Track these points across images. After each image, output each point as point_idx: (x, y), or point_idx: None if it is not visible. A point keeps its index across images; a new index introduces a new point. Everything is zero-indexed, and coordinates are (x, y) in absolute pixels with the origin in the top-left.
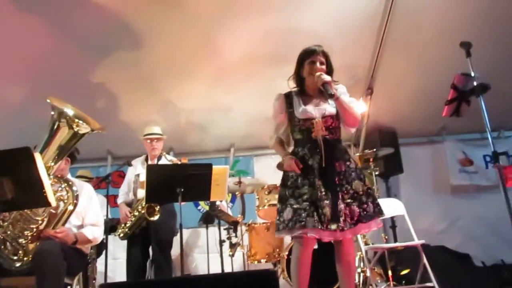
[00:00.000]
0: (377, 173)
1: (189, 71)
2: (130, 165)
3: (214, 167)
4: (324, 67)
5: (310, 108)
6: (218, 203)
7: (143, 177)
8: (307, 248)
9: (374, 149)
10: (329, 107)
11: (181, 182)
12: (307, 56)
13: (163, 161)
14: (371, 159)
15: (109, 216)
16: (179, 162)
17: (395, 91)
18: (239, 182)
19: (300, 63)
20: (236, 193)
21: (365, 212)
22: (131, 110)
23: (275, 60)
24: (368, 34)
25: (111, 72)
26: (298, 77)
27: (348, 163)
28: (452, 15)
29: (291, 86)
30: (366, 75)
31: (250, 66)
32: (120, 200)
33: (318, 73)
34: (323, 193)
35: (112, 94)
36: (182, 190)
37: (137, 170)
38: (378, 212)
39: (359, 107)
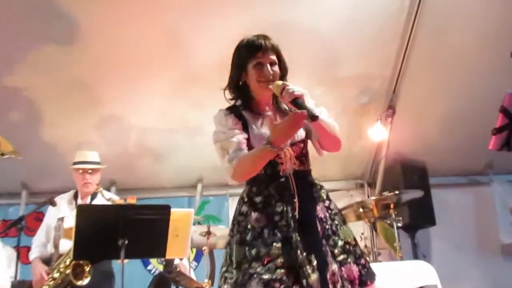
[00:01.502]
0: (399, 224)
1: (143, 77)
2: (53, 204)
3: (173, 210)
4: (276, 69)
5: None
6: (177, 261)
7: (69, 223)
8: None
9: (396, 192)
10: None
11: (125, 230)
12: (251, 55)
13: (99, 200)
14: (391, 205)
15: (19, 278)
16: (123, 202)
17: (425, 112)
18: (208, 233)
19: (240, 65)
20: (203, 248)
21: (365, 269)
22: (57, 126)
23: None
24: (389, 36)
25: (32, 74)
26: (238, 85)
27: (328, 203)
28: (501, 16)
29: (227, 97)
30: (386, 89)
31: (227, 74)
32: (34, 255)
33: (279, 82)
34: (305, 253)
35: (32, 103)
36: (126, 242)
37: (61, 212)
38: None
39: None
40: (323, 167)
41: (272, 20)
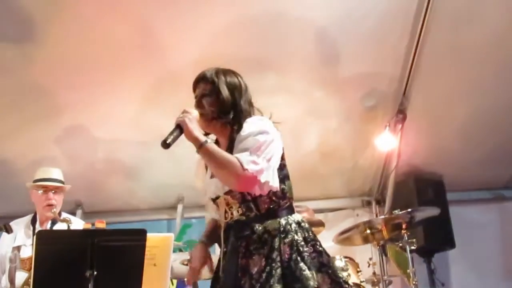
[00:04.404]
0: (413, 247)
1: (111, 80)
2: (8, 231)
3: (149, 235)
4: (205, 101)
5: (210, 180)
6: None
7: (27, 252)
8: None
9: (409, 210)
10: None
11: (94, 260)
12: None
13: (62, 225)
14: (403, 226)
15: None
16: (90, 227)
17: (441, 117)
18: (190, 261)
19: None
20: (186, 279)
21: None
22: (11, 140)
23: (249, 66)
24: (398, 28)
25: None
26: None
27: (275, 254)
28: None
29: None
30: (395, 91)
31: None
32: None
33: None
34: None
35: None
36: (95, 274)
37: (18, 240)
38: None
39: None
40: (324, 183)
41: (260, 11)
